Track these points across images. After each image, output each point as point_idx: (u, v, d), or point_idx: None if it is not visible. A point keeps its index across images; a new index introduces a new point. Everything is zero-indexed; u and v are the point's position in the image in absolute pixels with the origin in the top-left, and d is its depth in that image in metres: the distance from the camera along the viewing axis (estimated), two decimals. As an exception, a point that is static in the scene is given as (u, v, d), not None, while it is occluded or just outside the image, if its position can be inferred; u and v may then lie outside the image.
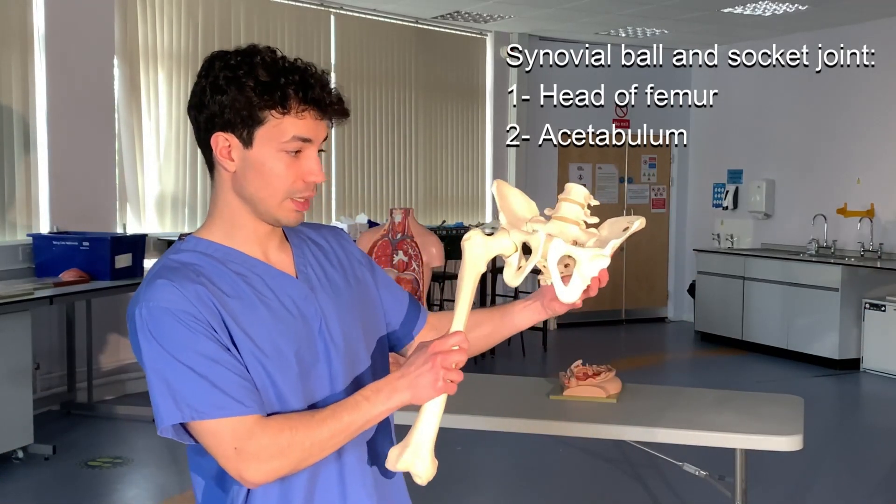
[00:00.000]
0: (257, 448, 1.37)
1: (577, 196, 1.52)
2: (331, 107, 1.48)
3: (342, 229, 1.74)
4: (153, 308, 1.39)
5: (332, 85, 1.50)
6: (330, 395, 1.50)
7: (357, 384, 1.52)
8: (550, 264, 1.45)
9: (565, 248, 1.44)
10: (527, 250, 1.50)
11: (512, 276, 1.51)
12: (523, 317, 1.67)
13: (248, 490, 1.46)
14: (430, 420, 1.42)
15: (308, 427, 1.39)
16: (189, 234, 1.59)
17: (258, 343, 1.44)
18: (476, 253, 1.48)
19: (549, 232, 1.47)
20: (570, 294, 1.46)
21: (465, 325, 1.46)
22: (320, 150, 1.50)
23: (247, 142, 1.45)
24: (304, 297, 1.53)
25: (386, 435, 1.60)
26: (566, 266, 1.47)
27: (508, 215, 1.52)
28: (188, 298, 1.40)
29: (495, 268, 8.10)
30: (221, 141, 1.47)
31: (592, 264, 1.44)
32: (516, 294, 8.31)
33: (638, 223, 1.47)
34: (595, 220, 1.51)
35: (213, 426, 1.38)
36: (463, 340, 1.41)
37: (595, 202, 1.52)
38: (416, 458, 1.42)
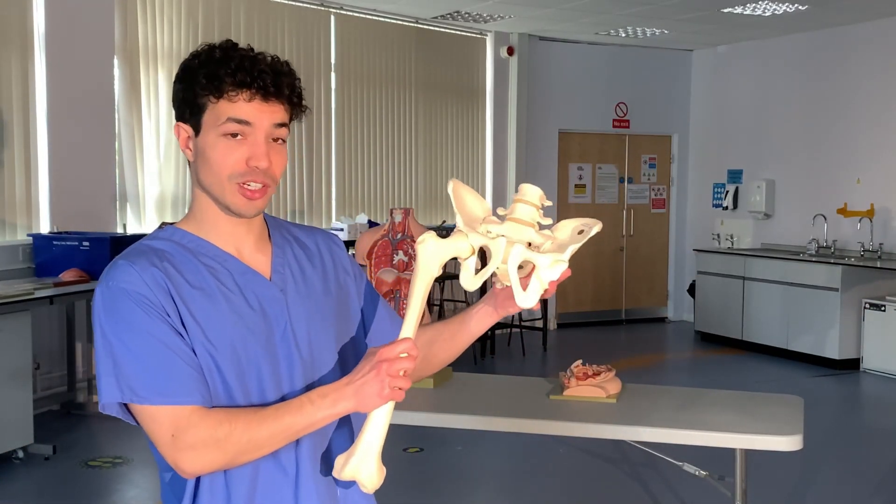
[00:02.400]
0: (194, 439, 1.37)
1: (531, 197, 1.46)
2: (266, 89, 1.46)
3: (336, 236, 1.72)
4: (112, 287, 1.41)
5: (283, 71, 1.50)
6: (282, 397, 1.48)
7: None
8: (511, 270, 1.43)
9: (525, 253, 1.43)
10: (482, 252, 1.48)
11: (469, 281, 1.47)
12: (478, 323, 1.62)
13: (197, 482, 1.46)
14: (376, 427, 1.40)
15: (248, 423, 1.38)
16: (170, 223, 1.60)
17: (209, 335, 1.43)
18: (430, 256, 1.44)
19: (503, 233, 1.44)
20: (529, 299, 1.44)
21: (415, 332, 1.42)
22: (277, 139, 1.49)
23: (196, 130, 1.48)
24: (272, 298, 1.52)
25: (345, 442, 1.56)
26: (520, 268, 1.45)
27: (465, 216, 1.49)
28: (145, 281, 1.41)
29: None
30: (181, 131, 1.50)
31: (552, 270, 1.43)
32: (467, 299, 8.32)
33: (596, 228, 1.47)
34: (549, 221, 1.48)
35: (153, 411, 1.38)
36: (411, 347, 1.38)
37: (548, 203, 1.48)
38: (361, 465, 1.40)
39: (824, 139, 8.55)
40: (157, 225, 6.72)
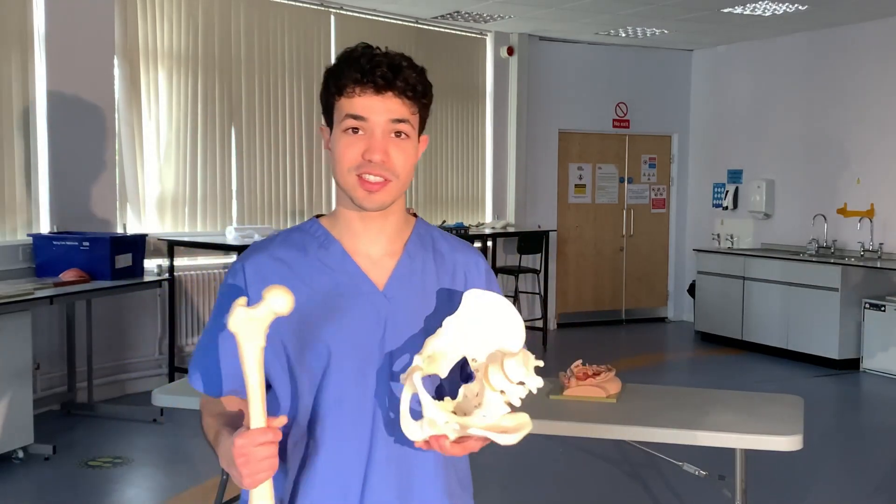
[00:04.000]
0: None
1: (518, 374, 1.39)
2: (376, 82, 1.48)
3: (482, 257, 1.68)
4: (227, 273, 1.59)
5: (398, 65, 1.51)
6: (356, 404, 1.51)
7: (390, 408, 1.52)
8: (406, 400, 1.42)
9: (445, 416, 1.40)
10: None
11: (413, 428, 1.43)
12: None
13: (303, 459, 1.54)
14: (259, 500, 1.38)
15: (205, 426, 1.56)
16: (320, 215, 1.67)
17: (293, 330, 1.50)
18: (243, 327, 1.35)
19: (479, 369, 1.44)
20: (413, 432, 1.41)
21: (263, 414, 1.35)
22: (400, 133, 1.51)
23: (330, 129, 1.56)
24: (376, 304, 1.53)
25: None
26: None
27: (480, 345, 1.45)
28: (245, 272, 1.55)
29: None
30: (324, 133, 1.59)
31: (449, 428, 1.39)
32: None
33: (508, 438, 1.40)
34: (517, 403, 1.40)
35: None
36: (265, 433, 1.33)
37: (531, 389, 1.40)
38: None
39: (824, 139, 8.55)
40: (156, 225, 6.74)
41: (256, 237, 6.76)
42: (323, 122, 1.58)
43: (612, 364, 3.40)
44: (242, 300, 1.36)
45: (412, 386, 1.40)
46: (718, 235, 9.59)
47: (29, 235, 5.80)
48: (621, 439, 3.21)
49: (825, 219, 8.38)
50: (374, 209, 1.53)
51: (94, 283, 5.48)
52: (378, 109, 1.49)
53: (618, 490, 4.68)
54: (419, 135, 1.57)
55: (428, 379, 1.48)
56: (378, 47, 1.53)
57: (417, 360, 1.42)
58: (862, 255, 7.95)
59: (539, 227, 9.10)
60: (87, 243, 5.61)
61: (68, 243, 5.63)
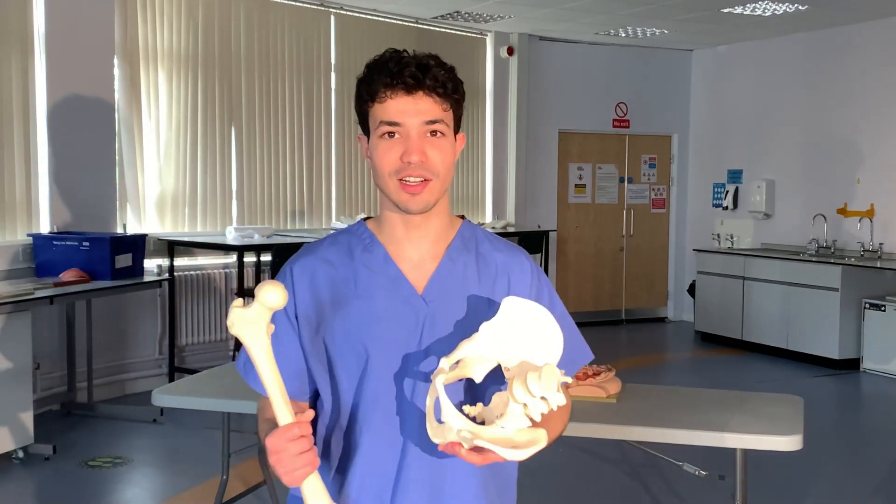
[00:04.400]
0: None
1: (539, 388, 1.37)
2: (406, 83, 1.49)
3: (529, 262, 1.65)
4: (283, 267, 1.63)
5: (426, 64, 1.51)
6: (391, 403, 1.53)
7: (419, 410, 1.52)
8: (431, 404, 1.42)
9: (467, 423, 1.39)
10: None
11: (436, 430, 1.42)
12: None
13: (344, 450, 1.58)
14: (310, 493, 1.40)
15: (260, 432, 1.55)
16: (367, 217, 1.69)
17: (330, 328, 1.54)
18: (243, 329, 1.36)
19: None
20: (435, 435, 1.41)
21: (289, 411, 1.37)
22: (435, 132, 1.52)
23: (367, 136, 1.58)
24: (413, 308, 1.55)
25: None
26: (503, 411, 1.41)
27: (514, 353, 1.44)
28: (292, 273, 1.58)
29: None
30: (362, 141, 1.61)
31: (462, 436, 1.38)
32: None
33: (520, 453, 1.39)
34: (537, 418, 1.39)
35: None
36: (291, 429, 1.35)
37: (552, 407, 1.38)
38: None
39: (824, 139, 8.55)
40: (156, 225, 6.74)
41: (256, 237, 6.77)
42: (360, 131, 1.60)
43: (612, 364, 3.40)
44: (238, 302, 1.37)
45: (435, 390, 1.40)
46: (718, 235, 9.59)
47: (29, 235, 5.79)
48: (621, 439, 3.21)
49: (825, 219, 8.38)
50: (419, 210, 1.54)
51: (94, 283, 5.48)
52: (411, 111, 1.50)
53: (618, 490, 4.68)
54: (455, 132, 1.58)
55: (462, 382, 1.48)
56: (405, 50, 1.54)
57: (443, 363, 1.42)
58: (862, 255, 7.95)
59: (539, 226, 9.10)
60: (87, 243, 5.61)
61: (68, 243, 5.63)
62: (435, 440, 1.41)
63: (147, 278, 6.06)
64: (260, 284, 1.37)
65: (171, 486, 4.66)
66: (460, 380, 1.47)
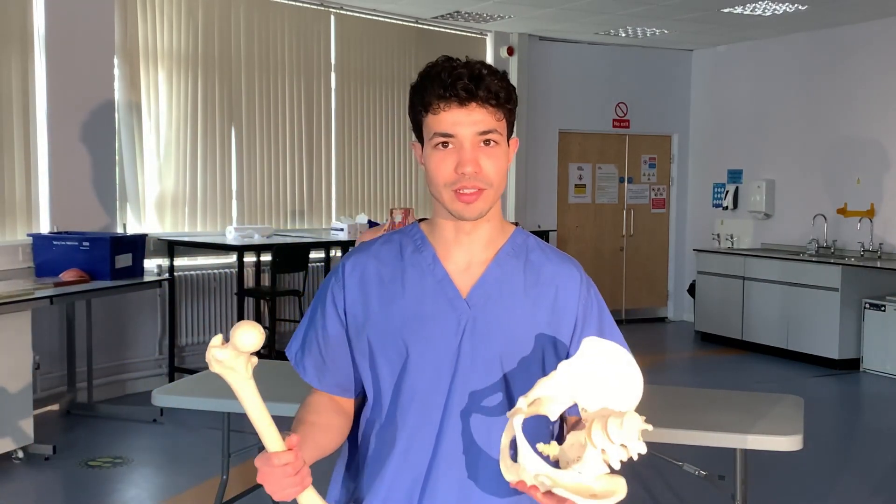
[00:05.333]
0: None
1: (620, 435, 1.34)
2: (458, 95, 1.49)
3: (579, 274, 1.66)
4: (339, 263, 1.67)
5: (478, 74, 1.51)
6: (429, 403, 1.54)
7: (465, 416, 1.54)
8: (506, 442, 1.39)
9: (545, 468, 1.35)
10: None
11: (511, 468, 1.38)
12: None
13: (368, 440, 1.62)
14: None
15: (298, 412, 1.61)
16: (422, 219, 1.70)
17: (375, 326, 1.57)
18: (221, 370, 1.34)
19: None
20: (509, 474, 1.38)
21: (277, 438, 1.38)
22: (489, 141, 1.52)
23: (422, 145, 1.58)
24: (457, 311, 1.56)
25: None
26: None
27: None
28: (344, 269, 1.63)
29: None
30: (416, 148, 1.62)
31: (538, 480, 1.35)
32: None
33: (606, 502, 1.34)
34: (616, 465, 1.35)
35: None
36: (279, 457, 1.37)
37: (632, 455, 1.36)
38: None
39: (824, 139, 8.55)
40: (156, 225, 6.74)
41: (256, 237, 6.77)
42: (413, 137, 1.62)
43: (612, 364, 3.39)
44: (216, 340, 1.36)
45: (511, 428, 1.37)
46: (718, 235, 9.59)
47: (29, 235, 5.79)
48: (621, 439, 3.21)
49: (825, 219, 8.38)
50: (474, 218, 1.55)
51: (93, 283, 5.48)
52: (464, 122, 1.51)
53: (618, 490, 4.67)
54: (508, 138, 1.59)
55: (536, 418, 1.45)
56: (458, 59, 1.55)
57: (521, 402, 1.39)
58: (862, 255, 7.95)
59: (539, 226, 9.10)
60: (87, 243, 5.61)
61: (68, 243, 5.63)
62: (508, 478, 1.38)
63: (147, 278, 6.06)
64: (235, 326, 1.33)
65: (171, 486, 4.66)
66: (535, 416, 1.44)
